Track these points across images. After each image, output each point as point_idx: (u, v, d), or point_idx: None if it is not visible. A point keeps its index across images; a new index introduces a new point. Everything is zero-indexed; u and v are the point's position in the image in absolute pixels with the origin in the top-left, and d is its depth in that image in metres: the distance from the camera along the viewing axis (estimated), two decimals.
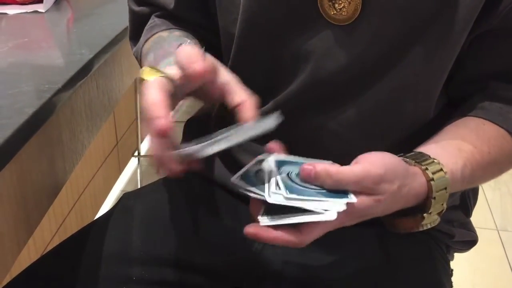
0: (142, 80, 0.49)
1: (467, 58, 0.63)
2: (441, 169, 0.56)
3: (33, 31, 0.92)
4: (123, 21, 0.93)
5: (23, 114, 0.57)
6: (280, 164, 0.54)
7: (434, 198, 0.55)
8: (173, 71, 0.52)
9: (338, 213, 0.47)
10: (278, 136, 0.67)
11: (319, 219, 0.47)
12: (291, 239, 0.48)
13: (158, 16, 0.73)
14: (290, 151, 0.66)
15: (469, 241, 0.76)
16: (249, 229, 0.49)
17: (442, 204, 0.56)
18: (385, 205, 0.52)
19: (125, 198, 0.77)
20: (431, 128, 0.65)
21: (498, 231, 1.91)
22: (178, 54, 0.51)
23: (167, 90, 0.50)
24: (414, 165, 0.56)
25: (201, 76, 0.50)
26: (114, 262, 0.68)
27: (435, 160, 0.56)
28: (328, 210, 0.47)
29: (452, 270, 0.75)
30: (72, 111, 0.72)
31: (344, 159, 0.64)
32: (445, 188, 0.55)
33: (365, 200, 0.50)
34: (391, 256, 0.67)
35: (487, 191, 2.12)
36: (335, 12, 0.58)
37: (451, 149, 0.60)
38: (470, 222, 0.77)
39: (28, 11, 1.01)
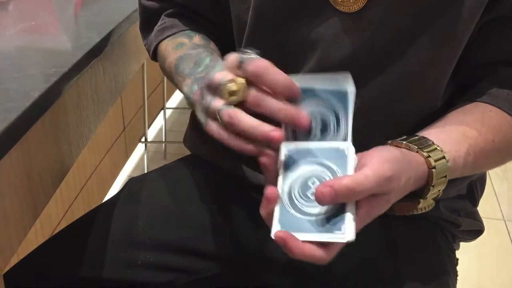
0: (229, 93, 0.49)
1: (475, 46, 0.63)
2: (443, 157, 0.55)
3: (40, 15, 0.92)
4: (131, 6, 0.93)
5: (30, 97, 0.57)
6: (290, 162, 0.51)
7: (433, 186, 0.54)
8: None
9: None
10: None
11: (340, 240, 0.47)
12: (321, 255, 0.48)
13: (168, 15, 0.74)
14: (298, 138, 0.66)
15: (475, 230, 0.76)
16: (280, 233, 0.48)
17: (439, 190, 0.56)
18: (393, 200, 0.51)
19: (131, 183, 0.77)
20: (437, 117, 0.64)
21: (505, 221, 1.90)
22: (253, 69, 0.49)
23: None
24: (417, 152, 0.55)
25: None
26: (120, 246, 0.69)
27: (438, 147, 0.55)
28: (345, 232, 0.47)
29: (457, 259, 0.75)
30: (79, 95, 0.72)
31: None
32: (445, 176, 0.55)
33: (375, 204, 0.49)
34: (395, 245, 0.67)
35: (495, 181, 2.11)
36: None
37: (455, 135, 0.59)
38: (476, 212, 0.76)
39: None
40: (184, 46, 0.69)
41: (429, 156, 0.54)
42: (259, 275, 0.69)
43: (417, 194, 0.56)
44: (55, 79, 0.62)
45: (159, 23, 0.74)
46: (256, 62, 0.48)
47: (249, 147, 0.49)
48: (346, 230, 0.47)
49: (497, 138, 0.61)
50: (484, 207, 0.82)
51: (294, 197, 0.50)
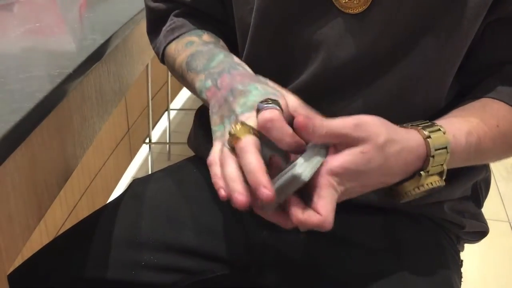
0: (234, 137, 0.48)
1: (480, 46, 0.62)
2: (439, 129, 0.54)
3: (45, 16, 0.92)
4: (136, 7, 0.93)
5: (34, 98, 0.57)
6: None
7: (433, 156, 0.53)
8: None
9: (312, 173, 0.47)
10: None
11: (299, 184, 0.46)
12: (318, 218, 0.46)
13: (176, 15, 0.73)
14: None
15: (479, 232, 0.76)
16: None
17: (442, 165, 0.54)
18: (377, 161, 0.49)
19: (135, 184, 0.77)
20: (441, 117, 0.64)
21: (509, 223, 1.89)
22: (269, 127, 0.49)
23: (259, 150, 0.48)
24: (410, 127, 0.54)
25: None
26: (123, 247, 0.69)
27: (434, 123, 0.55)
28: (302, 171, 0.46)
29: (462, 260, 0.74)
30: (83, 96, 0.73)
31: None
32: (445, 148, 0.53)
33: (347, 153, 0.48)
34: (399, 245, 0.67)
35: (500, 183, 2.10)
36: (346, 1, 0.58)
37: (455, 120, 0.58)
38: (481, 213, 0.76)
39: None
40: (194, 44, 0.68)
41: (423, 128, 0.53)
42: (263, 276, 0.69)
43: (419, 170, 0.54)
44: (59, 80, 0.62)
45: (168, 24, 0.73)
46: (265, 115, 0.48)
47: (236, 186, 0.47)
48: (302, 169, 0.47)
49: (502, 124, 0.60)
50: (489, 209, 0.81)
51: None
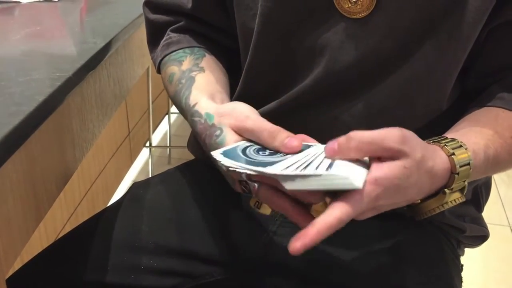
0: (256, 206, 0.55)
1: (484, 51, 0.62)
2: (461, 145, 0.53)
3: (46, 20, 0.92)
4: (136, 11, 0.93)
5: (34, 101, 0.57)
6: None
7: (458, 173, 0.52)
8: None
9: (364, 182, 0.44)
10: (292, 129, 0.67)
11: (347, 186, 0.43)
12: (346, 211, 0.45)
13: (173, 30, 0.74)
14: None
15: (480, 236, 0.76)
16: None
17: (464, 181, 0.53)
18: (415, 177, 0.48)
19: (135, 188, 0.77)
20: (444, 120, 0.64)
21: (510, 227, 1.89)
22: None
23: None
24: (432, 143, 0.53)
25: None
26: (123, 250, 0.69)
27: (454, 139, 0.54)
28: (350, 177, 0.43)
29: (462, 265, 0.74)
30: (83, 99, 0.73)
31: None
32: (468, 164, 0.52)
33: (393, 165, 0.46)
34: (400, 249, 0.67)
35: (500, 187, 2.10)
36: (349, 5, 0.58)
37: (471, 134, 0.57)
38: (481, 217, 0.76)
39: (41, 0, 1.01)
40: (174, 77, 0.69)
41: (445, 145, 0.52)
42: (262, 279, 0.69)
43: (442, 188, 0.53)
44: (59, 84, 0.62)
45: (164, 38, 0.74)
46: (261, 192, 0.51)
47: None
48: (349, 174, 0.44)
49: None
50: (489, 213, 0.81)
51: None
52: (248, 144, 0.54)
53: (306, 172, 0.45)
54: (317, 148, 0.51)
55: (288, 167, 0.47)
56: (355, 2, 0.58)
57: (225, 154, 0.51)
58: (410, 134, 0.48)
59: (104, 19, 0.91)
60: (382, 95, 0.61)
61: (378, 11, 0.58)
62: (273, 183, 0.49)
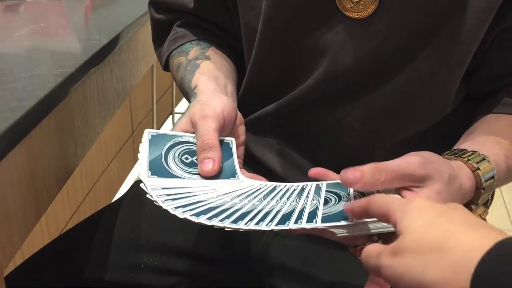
0: None
1: (490, 55, 0.62)
2: (484, 158, 0.52)
3: (50, 17, 0.92)
4: (141, 8, 0.93)
5: (35, 96, 0.57)
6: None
7: (484, 188, 0.51)
8: None
9: None
10: (295, 131, 0.67)
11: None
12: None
13: (179, 26, 0.74)
14: (308, 144, 0.66)
15: None
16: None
17: (488, 195, 0.53)
18: (449, 199, 0.47)
19: (137, 186, 0.77)
20: (447, 123, 0.64)
21: None
22: None
23: None
24: (455, 159, 0.52)
25: None
26: (124, 248, 0.69)
27: (475, 151, 0.53)
28: None
29: None
30: (85, 96, 0.73)
31: (360, 153, 0.63)
32: (493, 177, 0.52)
33: (427, 194, 0.45)
34: None
35: (505, 192, 2.09)
36: (352, 5, 0.58)
37: (489, 144, 0.56)
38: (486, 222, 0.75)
39: None
40: (181, 66, 0.69)
41: (469, 160, 0.51)
42: (262, 280, 0.69)
43: (468, 203, 0.52)
44: (61, 80, 0.62)
45: (171, 34, 0.74)
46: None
47: None
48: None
49: None
50: (493, 217, 0.81)
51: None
52: (180, 142, 0.55)
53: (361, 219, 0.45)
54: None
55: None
56: (357, 2, 0.57)
57: (152, 170, 0.51)
58: (429, 156, 0.47)
59: (108, 17, 0.91)
60: (384, 97, 0.61)
61: (380, 12, 0.57)
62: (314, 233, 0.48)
